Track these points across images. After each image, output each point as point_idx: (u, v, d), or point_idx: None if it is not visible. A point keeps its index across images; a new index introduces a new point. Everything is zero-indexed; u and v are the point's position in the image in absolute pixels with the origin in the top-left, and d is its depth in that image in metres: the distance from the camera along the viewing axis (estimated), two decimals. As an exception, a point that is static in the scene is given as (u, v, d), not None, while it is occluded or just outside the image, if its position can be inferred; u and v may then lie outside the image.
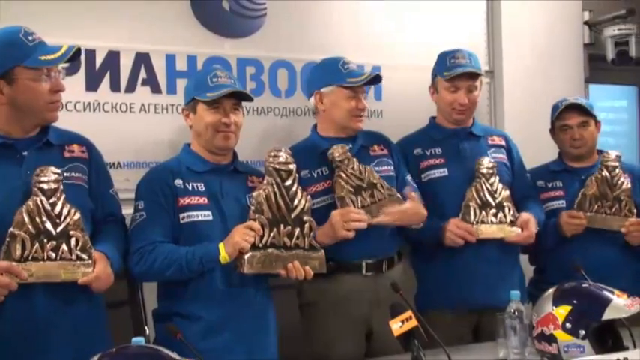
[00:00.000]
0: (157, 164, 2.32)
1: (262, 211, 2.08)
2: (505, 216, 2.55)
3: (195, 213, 2.10)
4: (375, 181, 2.39)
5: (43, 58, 1.89)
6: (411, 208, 2.40)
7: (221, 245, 2.01)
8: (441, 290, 2.53)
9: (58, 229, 1.86)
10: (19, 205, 1.83)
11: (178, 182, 2.12)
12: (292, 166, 2.16)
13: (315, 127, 2.54)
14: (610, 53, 4.01)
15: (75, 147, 2.03)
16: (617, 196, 2.72)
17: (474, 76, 2.63)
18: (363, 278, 2.40)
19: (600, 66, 4.17)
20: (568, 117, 2.77)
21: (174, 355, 1.46)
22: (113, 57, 2.62)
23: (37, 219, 1.83)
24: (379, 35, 3.13)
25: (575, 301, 1.98)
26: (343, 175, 2.35)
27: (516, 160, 2.74)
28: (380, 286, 2.35)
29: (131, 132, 2.63)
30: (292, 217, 2.12)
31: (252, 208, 2.08)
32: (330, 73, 2.46)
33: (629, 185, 2.74)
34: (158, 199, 2.09)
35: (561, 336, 1.94)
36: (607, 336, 1.96)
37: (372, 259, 2.41)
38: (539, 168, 2.87)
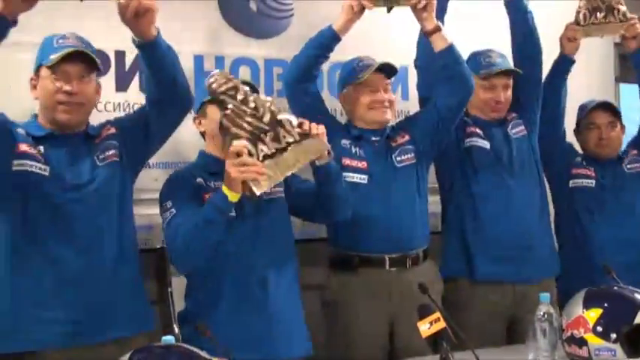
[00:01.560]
0: (186, 164, 2.36)
1: (235, 134, 1.96)
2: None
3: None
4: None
5: (51, 56, 1.95)
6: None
7: (223, 188, 1.96)
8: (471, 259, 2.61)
9: None
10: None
11: (200, 180, 2.14)
12: (234, 82, 2.00)
13: (348, 121, 2.61)
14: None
15: (103, 130, 2.11)
16: (609, 4, 2.82)
17: (507, 74, 2.68)
18: (387, 273, 2.41)
19: (631, 65, 4.12)
20: (597, 116, 2.84)
21: (204, 354, 1.47)
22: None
23: None
24: (406, 34, 3.11)
25: (606, 304, 1.96)
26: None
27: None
28: (404, 282, 2.36)
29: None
30: (266, 122, 1.98)
31: (227, 138, 1.98)
32: (346, 74, 2.55)
33: None
34: (184, 193, 2.10)
35: (592, 339, 1.92)
36: (639, 339, 1.93)
37: (396, 254, 2.42)
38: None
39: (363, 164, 2.46)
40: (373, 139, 2.51)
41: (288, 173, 2.00)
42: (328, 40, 2.40)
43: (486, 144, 2.68)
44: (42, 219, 1.95)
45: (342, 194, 2.19)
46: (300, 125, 2.02)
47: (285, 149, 1.98)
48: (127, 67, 2.63)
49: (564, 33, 2.85)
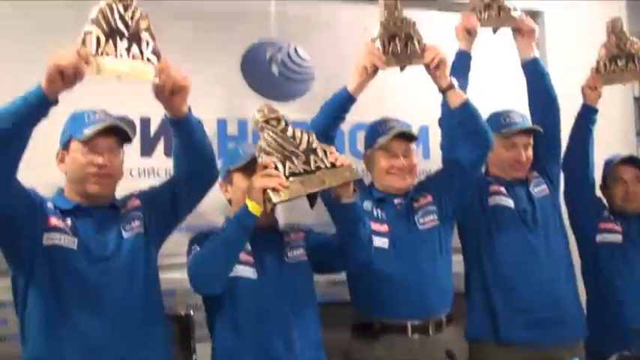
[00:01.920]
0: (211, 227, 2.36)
1: (267, 152, 2.03)
2: None
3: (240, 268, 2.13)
4: (413, 35, 2.39)
5: (85, 130, 2.00)
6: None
7: (246, 201, 2.00)
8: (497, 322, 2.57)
9: (130, 31, 1.90)
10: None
11: None
12: (277, 114, 2.11)
13: (371, 183, 2.60)
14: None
15: (129, 202, 2.15)
16: (628, 52, 2.82)
17: (529, 133, 2.69)
18: (410, 340, 2.37)
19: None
20: (623, 170, 2.84)
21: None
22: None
23: (110, 18, 1.88)
24: (426, 95, 3.14)
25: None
26: (383, 20, 2.36)
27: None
28: (427, 349, 2.33)
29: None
30: (301, 149, 2.06)
31: (259, 153, 2.04)
32: (368, 136, 2.57)
33: (639, 42, 2.86)
34: (208, 237, 2.14)
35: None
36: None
37: (418, 321, 2.38)
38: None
39: (384, 227, 2.45)
40: (396, 201, 2.50)
41: (311, 191, 2.04)
42: (344, 101, 2.42)
43: (510, 203, 2.67)
44: (70, 291, 1.97)
45: (363, 235, 2.17)
46: (330, 155, 2.07)
47: (313, 172, 2.04)
48: (152, 133, 2.68)
49: (586, 82, 2.87)
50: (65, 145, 2.07)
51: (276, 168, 2.00)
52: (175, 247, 2.47)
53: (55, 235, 1.99)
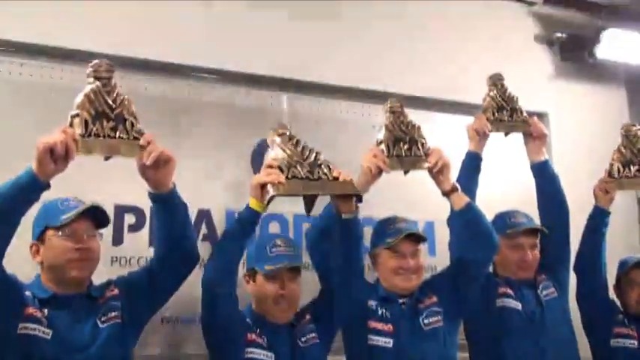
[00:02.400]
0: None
1: (276, 160, 2.17)
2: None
3: (256, 350, 2.17)
4: (417, 139, 2.52)
5: (62, 217, 2.02)
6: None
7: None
8: None
9: (115, 112, 1.97)
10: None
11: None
12: (291, 133, 2.26)
13: (376, 281, 2.58)
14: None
15: (106, 291, 2.13)
16: None
17: (535, 233, 2.70)
18: None
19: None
20: (637, 273, 2.79)
21: None
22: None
23: (96, 101, 1.95)
24: (432, 190, 3.18)
25: None
26: (388, 124, 2.51)
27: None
28: None
29: (193, 286, 2.66)
30: (309, 162, 2.21)
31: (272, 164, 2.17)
32: (376, 235, 2.56)
33: None
34: None
35: None
36: None
37: None
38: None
39: (388, 327, 2.42)
40: (400, 301, 2.48)
41: (309, 193, 2.20)
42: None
43: (518, 305, 2.64)
44: None
45: (361, 247, 2.35)
46: (333, 171, 2.22)
47: (315, 179, 2.18)
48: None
49: (598, 185, 2.87)
50: (39, 236, 2.07)
51: (281, 170, 2.12)
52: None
53: (29, 325, 1.96)
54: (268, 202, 2.13)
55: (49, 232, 2.04)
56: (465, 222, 2.49)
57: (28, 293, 2.02)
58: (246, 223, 2.15)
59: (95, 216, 2.10)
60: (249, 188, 2.15)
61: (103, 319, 2.06)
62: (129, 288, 2.16)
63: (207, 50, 3.07)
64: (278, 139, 2.23)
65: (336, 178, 2.20)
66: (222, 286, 2.16)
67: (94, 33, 2.78)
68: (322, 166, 2.21)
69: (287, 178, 2.12)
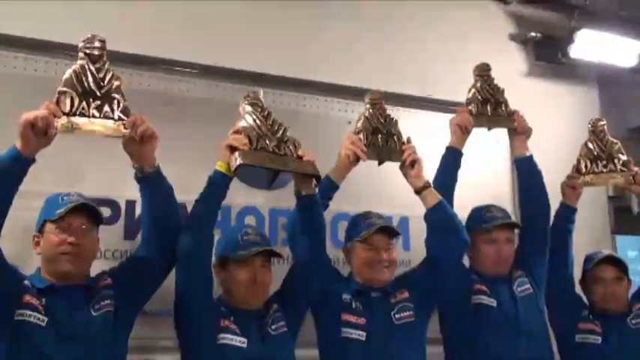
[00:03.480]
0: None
1: (246, 129, 2.20)
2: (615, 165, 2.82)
3: (229, 336, 2.18)
4: (394, 132, 2.56)
5: (57, 211, 2.05)
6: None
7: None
8: None
9: (102, 91, 1.99)
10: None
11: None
12: (264, 104, 2.30)
13: (350, 274, 2.60)
14: (635, 206, 4.07)
15: (100, 281, 2.15)
16: (609, 154, 2.81)
17: (509, 227, 2.71)
18: None
19: (627, 217, 4.23)
20: (603, 270, 2.79)
21: None
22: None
23: (84, 79, 1.96)
24: (406, 187, 3.22)
25: None
26: (368, 115, 2.56)
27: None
28: None
29: (167, 280, 2.67)
30: (277, 137, 2.24)
31: (240, 130, 2.19)
32: (351, 229, 2.59)
33: (619, 144, 2.88)
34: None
35: None
36: None
37: None
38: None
39: (362, 320, 2.44)
40: (373, 295, 2.50)
41: (273, 167, 2.24)
42: (326, 188, 2.47)
43: (493, 302, 2.65)
44: None
45: (322, 225, 2.38)
46: (298, 149, 2.25)
47: (280, 155, 2.22)
48: (137, 216, 2.70)
49: (565, 181, 2.88)
50: (40, 229, 2.10)
51: (249, 139, 2.14)
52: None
53: (26, 312, 1.99)
54: (235, 170, 2.15)
55: (47, 225, 2.08)
56: (436, 219, 2.53)
57: (27, 282, 2.06)
58: (215, 186, 2.18)
59: (92, 212, 2.13)
60: (219, 155, 2.19)
61: (96, 307, 2.08)
62: (120, 276, 2.18)
63: (187, 44, 3.07)
64: (249, 108, 2.25)
65: (300, 157, 2.23)
66: (197, 248, 2.17)
67: (76, 26, 2.75)
68: (289, 142, 2.24)
69: (255, 149, 2.15)
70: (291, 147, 2.24)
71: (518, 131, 2.86)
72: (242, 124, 2.20)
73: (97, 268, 2.21)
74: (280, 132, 2.25)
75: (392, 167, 2.93)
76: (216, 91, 3.10)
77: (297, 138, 2.29)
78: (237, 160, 2.11)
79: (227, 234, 2.38)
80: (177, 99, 3.00)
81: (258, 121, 2.22)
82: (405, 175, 2.56)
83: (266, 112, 2.27)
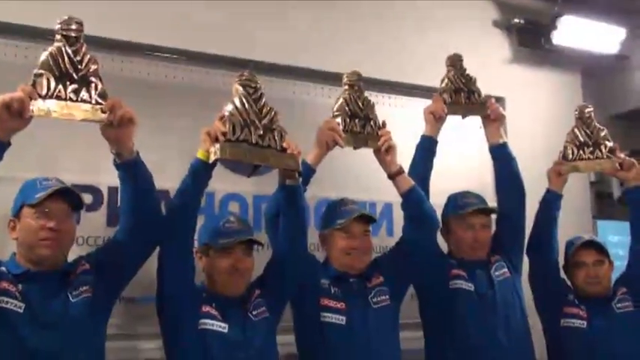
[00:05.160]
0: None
1: (233, 115, 2.13)
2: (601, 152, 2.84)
3: (210, 321, 2.19)
4: (371, 117, 2.55)
5: (37, 195, 2.03)
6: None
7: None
8: None
9: (79, 74, 1.96)
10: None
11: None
12: (258, 85, 2.22)
13: (326, 260, 2.61)
14: (616, 191, 4.10)
15: (77, 267, 2.13)
16: (596, 141, 2.83)
17: (486, 212, 2.73)
18: None
19: (608, 202, 4.27)
20: (583, 254, 2.81)
21: None
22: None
23: (61, 62, 1.93)
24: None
25: None
26: (346, 97, 2.55)
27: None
28: None
29: (149, 267, 2.66)
30: (262, 123, 2.18)
31: (224, 116, 2.14)
32: (327, 216, 2.60)
33: (606, 130, 2.89)
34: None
35: None
36: None
37: None
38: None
39: (341, 305, 2.46)
40: (351, 280, 2.53)
41: (253, 163, 2.19)
42: (304, 173, 2.44)
43: (470, 286, 2.68)
44: (8, 356, 1.94)
45: (304, 216, 2.36)
46: (283, 140, 2.20)
47: (263, 147, 2.16)
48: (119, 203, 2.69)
49: (552, 168, 2.90)
50: (17, 213, 2.08)
51: (234, 128, 2.11)
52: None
53: (3, 298, 1.97)
54: (214, 163, 2.13)
55: (25, 210, 2.05)
56: (408, 205, 2.57)
57: (3, 269, 2.04)
58: (196, 173, 2.17)
59: (71, 198, 2.10)
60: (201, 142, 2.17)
61: (74, 293, 2.06)
62: (99, 262, 2.16)
63: (167, 30, 3.05)
64: (241, 89, 2.20)
65: (283, 149, 2.20)
66: (180, 235, 2.18)
67: (59, 12, 2.72)
68: (275, 132, 2.20)
69: (237, 139, 2.11)
70: (276, 137, 2.20)
71: (492, 118, 2.88)
72: (229, 108, 2.16)
73: (79, 254, 2.20)
74: (268, 118, 2.20)
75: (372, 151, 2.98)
76: (198, 77, 3.08)
77: (283, 126, 2.25)
78: (215, 153, 2.09)
79: (209, 221, 2.38)
80: (157, 85, 2.98)
81: (246, 106, 2.17)
82: (380, 160, 2.57)
83: (258, 94, 2.21)
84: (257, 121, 2.17)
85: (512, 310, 2.71)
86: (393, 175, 2.55)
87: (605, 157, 2.87)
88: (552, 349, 2.85)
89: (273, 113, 2.21)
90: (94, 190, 2.75)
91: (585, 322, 2.74)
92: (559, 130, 3.10)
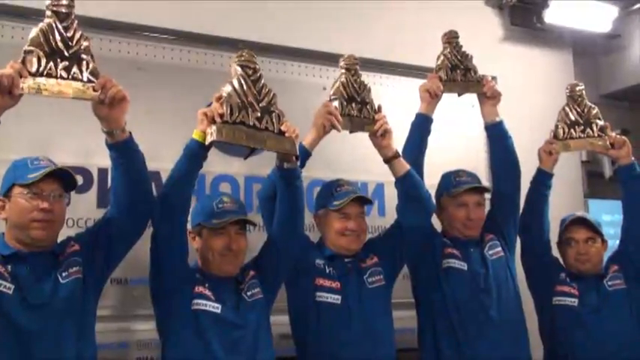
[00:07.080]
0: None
1: (230, 96, 2.10)
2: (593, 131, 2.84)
3: (203, 302, 2.19)
4: (367, 101, 2.54)
5: (30, 175, 2.00)
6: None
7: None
8: None
9: (70, 51, 1.92)
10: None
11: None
12: (257, 66, 2.19)
13: (320, 240, 2.61)
14: (607, 170, 4.11)
15: (67, 248, 2.11)
16: (587, 119, 2.84)
17: (480, 191, 2.73)
18: None
19: (599, 181, 4.28)
20: (575, 231, 2.82)
21: None
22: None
23: (51, 39, 1.90)
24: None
25: None
26: (344, 81, 2.53)
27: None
28: None
29: (143, 249, 2.66)
30: (260, 105, 2.15)
31: (222, 97, 2.10)
32: (323, 197, 2.59)
33: (597, 109, 2.90)
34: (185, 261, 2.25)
35: None
36: None
37: None
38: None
39: (336, 284, 2.47)
40: (346, 260, 2.54)
41: (250, 146, 2.14)
42: (300, 156, 2.42)
43: (463, 265, 2.68)
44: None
45: (301, 198, 2.34)
46: (281, 122, 2.17)
47: (260, 130, 2.13)
48: (110, 183, 2.67)
49: (543, 147, 2.88)
50: (6, 193, 2.05)
51: (231, 110, 2.07)
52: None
53: None
54: (209, 145, 2.10)
55: (16, 190, 2.02)
56: (404, 189, 2.57)
57: None
58: (190, 153, 2.14)
59: (64, 178, 2.08)
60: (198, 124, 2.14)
61: (64, 274, 2.05)
62: (88, 242, 2.14)
63: (159, 9, 3.01)
64: (239, 70, 2.16)
65: (281, 132, 2.17)
66: (173, 215, 2.17)
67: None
68: (273, 114, 2.17)
69: (234, 122, 2.08)
70: (274, 120, 2.17)
71: (488, 96, 2.86)
72: (227, 88, 2.12)
73: (68, 236, 2.18)
74: (267, 100, 2.16)
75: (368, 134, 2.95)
76: (189, 57, 3.05)
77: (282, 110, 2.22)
78: (212, 135, 2.05)
79: (202, 202, 2.37)
80: (149, 65, 2.95)
81: (245, 87, 2.13)
82: (376, 144, 2.56)
83: (257, 75, 2.17)
84: (255, 103, 2.14)
85: (506, 289, 2.72)
86: (389, 160, 2.54)
87: (596, 135, 2.86)
88: (545, 327, 2.86)
89: (271, 95, 2.18)
90: (84, 172, 2.72)
91: (577, 300, 2.75)
92: (550, 108, 3.09)
